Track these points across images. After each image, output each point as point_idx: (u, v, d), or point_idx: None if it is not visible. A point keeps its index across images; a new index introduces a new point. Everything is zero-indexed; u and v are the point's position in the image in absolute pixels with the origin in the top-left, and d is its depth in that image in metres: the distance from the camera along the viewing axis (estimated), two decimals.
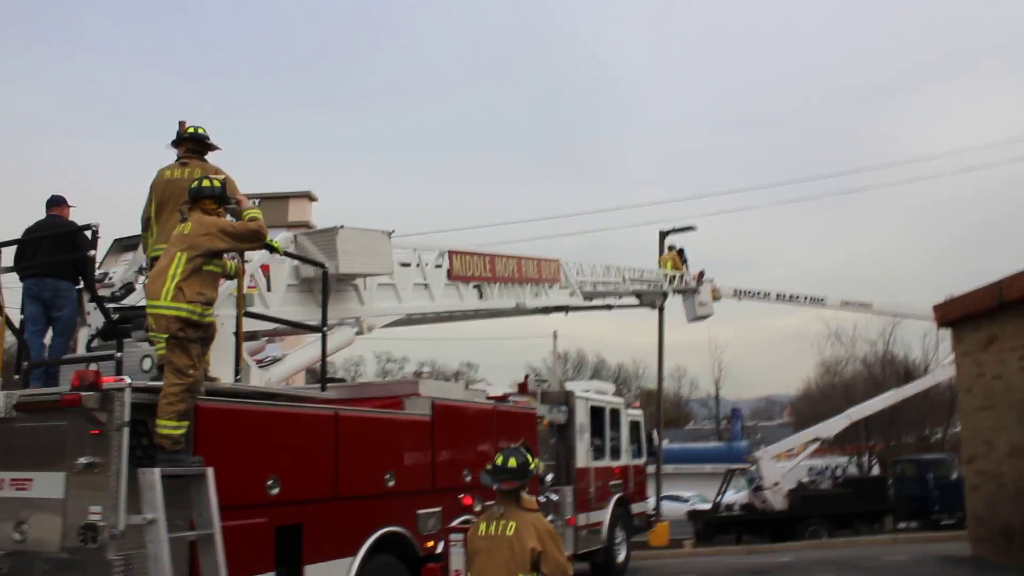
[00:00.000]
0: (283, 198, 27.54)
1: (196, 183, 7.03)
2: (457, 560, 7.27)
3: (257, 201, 27.97)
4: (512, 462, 6.14)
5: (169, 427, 6.36)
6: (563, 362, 68.62)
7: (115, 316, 8.16)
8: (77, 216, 8.47)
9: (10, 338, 8.24)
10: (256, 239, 7.03)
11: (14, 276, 8.35)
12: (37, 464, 6.62)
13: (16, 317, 8.29)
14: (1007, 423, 14.59)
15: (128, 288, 8.74)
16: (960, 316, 16.22)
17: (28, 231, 8.30)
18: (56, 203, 8.46)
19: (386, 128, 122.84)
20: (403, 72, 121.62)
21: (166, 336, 6.51)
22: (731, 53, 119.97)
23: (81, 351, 8.35)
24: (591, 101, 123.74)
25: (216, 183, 6.98)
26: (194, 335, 6.60)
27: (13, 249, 8.22)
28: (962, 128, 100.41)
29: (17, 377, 8.06)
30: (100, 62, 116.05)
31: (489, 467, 6.25)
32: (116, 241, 9.74)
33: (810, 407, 48.04)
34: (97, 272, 8.98)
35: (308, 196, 27.98)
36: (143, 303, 7.81)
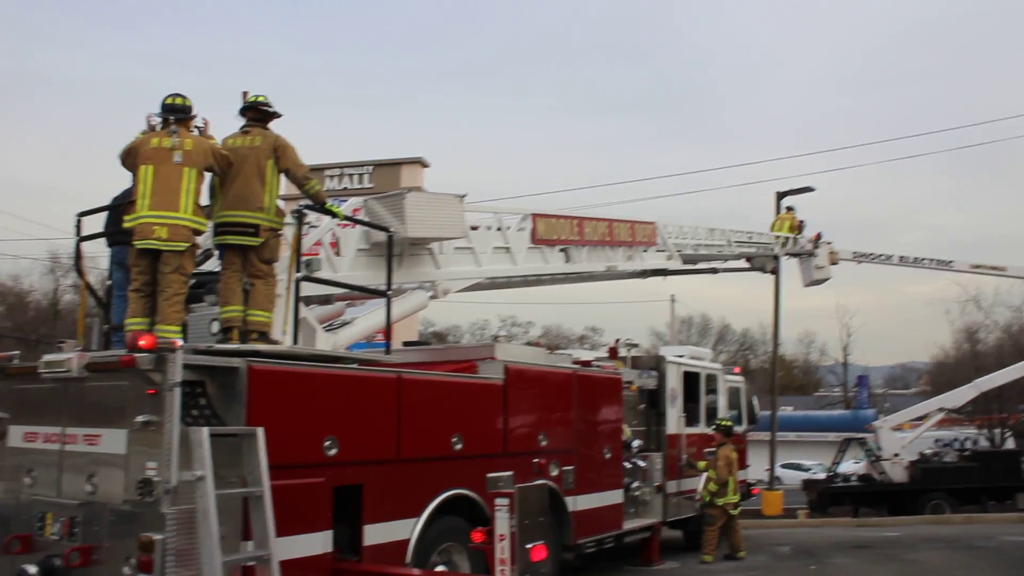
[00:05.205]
0: (395, 164, 28.03)
1: (170, 98, 7.51)
2: (503, 525, 7.27)
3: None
4: (727, 422, 14.80)
5: (173, 331, 6.96)
6: (687, 327, 67.78)
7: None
8: None
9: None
10: (216, 159, 7.53)
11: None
12: (105, 421, 6.98)
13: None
14: None
15: (206, 255, 9.01)
16: None
17: (116, 199, 8.64)
18: None
19: (506, 97, 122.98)
20: (519, 41, 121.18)
21: (186, 245, 7.16)
22: (859, 11, 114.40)
23: None
24: (717, 66, 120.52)
25: (188, 101, 7.54)
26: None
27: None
28: None
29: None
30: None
31: (717, 425, 14.69)
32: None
33: (947, 375, 45.89)
34: None
35: (420, 163, 28.34)
36: (218, 269, 8.13)
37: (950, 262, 24.45)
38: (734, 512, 14.31)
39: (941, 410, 25.45)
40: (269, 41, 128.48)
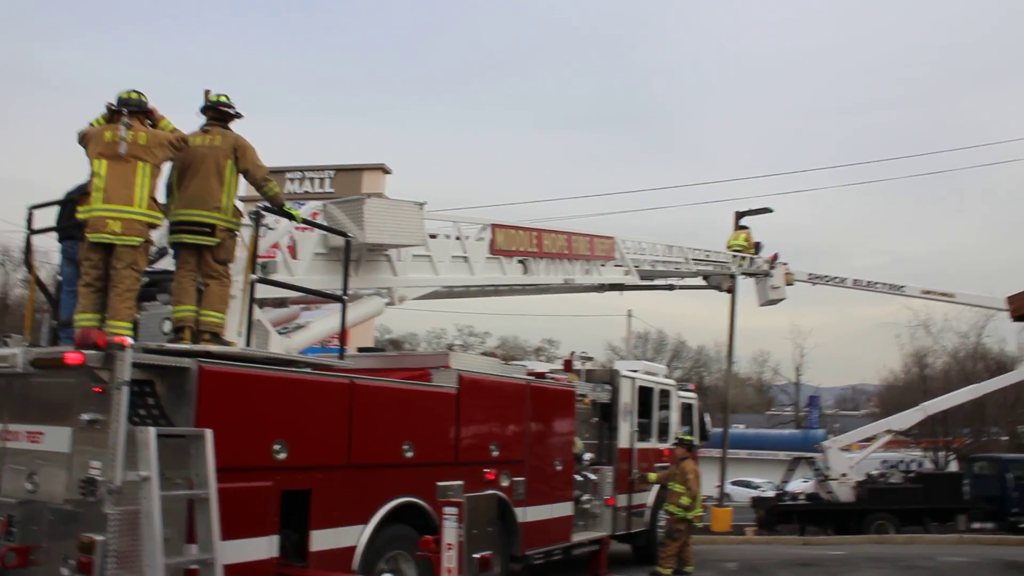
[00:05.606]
0: (357, 170, 27.95)
1: (126, 93, 7.40)
2: (451, 534, 7.27)
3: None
4: (689, 437, 14.94)
5: (123, 328, 6.82)
6: (643, 342, 68.14)
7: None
8: None
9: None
10: (174, 147, 7.41)
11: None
12: (48, 419, 6.91)
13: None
14: None
15: (161, 253, 8.91)
16: None
17: (69, 193, 8.50)
18: None
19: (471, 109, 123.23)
20: (483, 54, 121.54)
21: (140, 240, 7.07)
22: (830, 38, 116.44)
23: None
24: (678, 85, 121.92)
25: (144, 97, 7.43)
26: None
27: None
28: None
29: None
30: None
31: (678, 440, 14.69)
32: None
33: (896, 398, 46.62)
34: None
35: (382, 169, 28.28)
36: (172, 268, 8.04)
37: (902, 287, 24.89)
38: (699, 525, 14.58)
39: (889, 432, 25.87)
40: (236, 45, 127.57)
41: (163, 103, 7.59)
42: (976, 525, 25.23)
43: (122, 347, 6.30)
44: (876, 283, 24.74)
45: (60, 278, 8.38)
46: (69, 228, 8.04)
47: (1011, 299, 16.68)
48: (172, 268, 7.98)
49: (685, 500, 13.86)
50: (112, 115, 7.41)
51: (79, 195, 8.03)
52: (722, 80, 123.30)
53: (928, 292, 25.21)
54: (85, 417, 6.41)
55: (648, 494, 14.89)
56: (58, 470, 6.69)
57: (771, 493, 29.12)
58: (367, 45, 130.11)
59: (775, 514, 24.50)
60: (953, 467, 34.19)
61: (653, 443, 15.25)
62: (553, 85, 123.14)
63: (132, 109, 7.33)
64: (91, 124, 7.50)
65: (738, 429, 47.67)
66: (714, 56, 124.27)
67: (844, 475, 24.32)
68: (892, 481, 25.89)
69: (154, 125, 7.46)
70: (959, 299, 25.34)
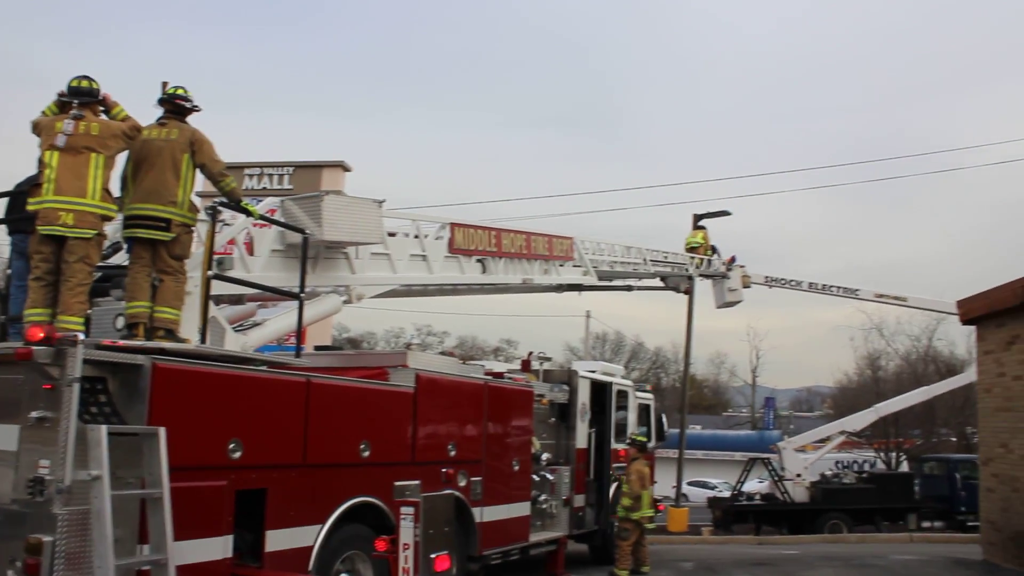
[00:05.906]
0: (316, 167, 27.69)
1: (76, 80, 7.25)
2: (407, 534, 7.23)
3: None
4: (642, 438, 14.78)
5: (75, 323, 6.71)
6: (601, 343, 68.42)
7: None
8: None
9: None
10: (128, 136, 7.31)
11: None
12: None
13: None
14: None
15: (115, 247, 8.75)
16: (983, 313, 15.68)
17: (19, 185, 8.31)
18: None
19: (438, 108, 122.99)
20: (446, 54, 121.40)
21: (93, 233, 6.94)
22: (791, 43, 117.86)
23: None
24: (647, 89, 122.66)
25: (96, 84, 7.29)
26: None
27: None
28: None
29: None
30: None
31: (631, 440, 14.77)
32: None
33: (849, 400, 47.38)
34: None
35: (342, 166, 28.05)
36: (126, 263, 7.89)
37: (856, 290, 25.23)
38: (650, 526, 14.44)
39: (842, 433, 26.33)
40: (194, 40, 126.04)
41: (127, 99, 7.49)
42: (926, 524, 25.74)
43: (73, 343, 6.18)
44: (831, 286, 25.05)
45: (9, 272, 8.19)
46: (19, 221, 7.86)
47: (961, 303, 16.98)
48: (126, 263, 7.85)
49: (626, 501, 13.86)
50: (64, 105, 7.26)
51: (29, 187, 7.85)
52: (682, 86, 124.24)
53: (881, 296, 25.59)
54: (34, 414, 6.28)
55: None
56: (5, 469, 6.50)
57: (727, 493, 29.43)
58: (334, 44, 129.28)
59: (731, 514, 24.78)
60: (904, 467, 34.85)
61: (611, 443, 15.29)
62: (519, 86, 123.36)
63: (83, 99, 7.18)
64: (43, 113, 7.35)
65: (695, 430, 48.08)
66: (675, 62, 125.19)
67: (799, 475, 24.69)
68: (845, 481, 26.33)
69: (107, 112, 7.32)
70: (911, 303, 25.75)
